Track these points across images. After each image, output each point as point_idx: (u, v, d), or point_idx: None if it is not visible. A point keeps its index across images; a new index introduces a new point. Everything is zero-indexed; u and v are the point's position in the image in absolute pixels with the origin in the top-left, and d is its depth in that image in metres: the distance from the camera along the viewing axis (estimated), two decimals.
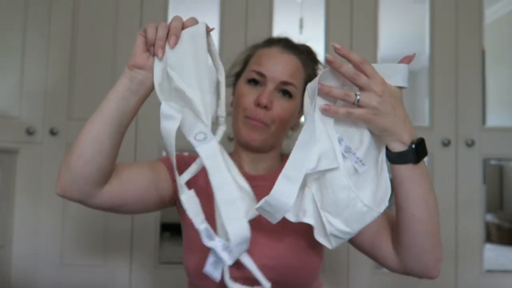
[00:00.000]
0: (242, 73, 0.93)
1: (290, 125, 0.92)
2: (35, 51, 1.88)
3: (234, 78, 0.97)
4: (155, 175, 0.88)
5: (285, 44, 0.90)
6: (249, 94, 0.86)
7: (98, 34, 1.90)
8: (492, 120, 1.96)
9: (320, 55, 1.02)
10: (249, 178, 0.83)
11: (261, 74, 0.86)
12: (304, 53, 0.91)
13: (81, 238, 1.85)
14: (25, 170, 1.85)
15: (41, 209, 1.84)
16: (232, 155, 0.96)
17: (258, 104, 0.84)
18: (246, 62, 0.94)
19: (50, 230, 1.84)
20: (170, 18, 1.93)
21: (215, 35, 1.92)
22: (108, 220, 1.85)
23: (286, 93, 0.87)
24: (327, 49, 1.92)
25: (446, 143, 1.88)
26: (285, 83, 0.86)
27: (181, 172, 0.81)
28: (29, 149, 1.85)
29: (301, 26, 2.94)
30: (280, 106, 0.86)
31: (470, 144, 1.87)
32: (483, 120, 1.91)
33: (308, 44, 0.98)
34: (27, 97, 1.87)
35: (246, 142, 0.89)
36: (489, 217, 2.69)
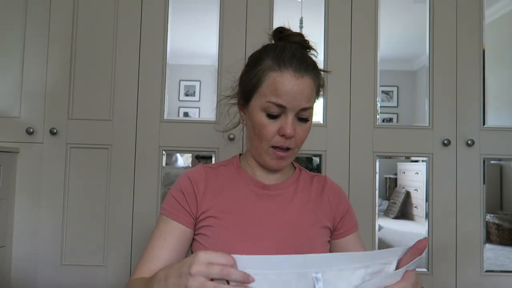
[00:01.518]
0: (252, 95, 0.88)
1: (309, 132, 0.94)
2: (35, 51, 1.88)
3: (242, 98, 0.93)
4: (181, 244, 0.88)
5: (297, 66, 0.85)
6: (271, 125, 0.86)
7: (98, 34, 1.90)
8: (492, 120, 1.95)
9: (318, 48, 1.01)
10: (264, 187, 0.92)
11: (280, 106, 0.84)
12: (311, 65, 0.88)
13: (81, 238, 1.85)
14: (25, 170, 1.85)
15: (41, 209, 1.84)
16: (240, 160, 0.99)
17: (283, 135, 0.85)
18: (256, 85, 0.88)
19: (50, 230, 1.84)
20: (170, 18, 1.94)
21: (215, 35, 1.92)
22: (108, 220, 1.85)
23: (305, 117, 0.88)
24: (327, 49, 1.92)
25: (446, 143, 1.88)
26: (304, 109, 0.86)
27: (205, 185, 0.91)
28: (29, 149, 1.85)
29: (301, 26, 2.94)
30: (302, 130, 0.88)
31: (470, 144, 1.87)
32: (483, 120, 1.91)
33: (305, 35, 0.95)
34: (27, 97, 1.87)
35: (272, 169, 0.91)
36: (489, 217, 2.69)
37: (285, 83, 0.84)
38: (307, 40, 0.94)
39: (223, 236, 0.85)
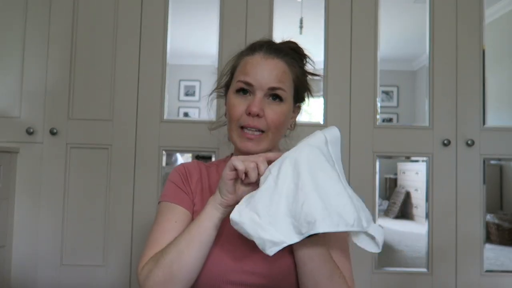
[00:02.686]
0: (230, 83, 0.92)
1: (286, 126, 0.93)
2: (35, 51, 1.88)
3: (225, 89, 0.97)
4: (184, 224, 0.87)
5: (268, 48, 0.89)
6: (240, 105, 0.86)
7: (98, 34, 1.90)
8: (492, 120, 1.96)
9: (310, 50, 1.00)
10: None
11: (248, 84, 0.86)
12: (289, 54, 0.91)
13: (81, 238, 1.85)
14: (25, 170, 1.85)
15: (41, 209, 1.84)
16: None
17: (249, 113, 0.84)
18: (232, 72, 0.93)
19: (50, 230, 1.84)
20: (170, 18, 1.94)
21: (215, 35, 1.92)
22: (108, 220, 1.85)
23: (277, 97, 0.87)
24: (327, 49, 1.92)
25: (446, 143, 1.88)
26: (273, 88, 0.86)
27: (197, 179, 0.93)
28: (29, 149, 1.85)
29: (301, 26, 2.94)
30: (272, 111, 0.86)
31: (470, 144, 1.87)
32: (483, 120, 1.91)
33: (293, 40, 0.98)
34: (27, 97, 1.87)
35: (246, 152, 0.88)
36: (489, 217, 2.69)
37: (253, 62, 0.87)
38: (300, 48, 0.95)
39: None
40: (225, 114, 0.95)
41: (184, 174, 0.93)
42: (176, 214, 0.87)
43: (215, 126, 1.08)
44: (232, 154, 1.00)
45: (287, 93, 0.88)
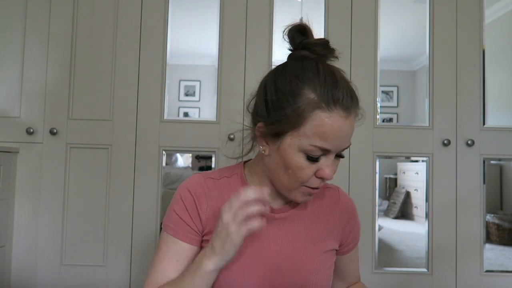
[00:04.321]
0: (287, 132, 0.74)
1: None
2: (35, 51, 1.88)
3: (272, 132, 0.77)
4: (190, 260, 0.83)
5: (347, 103, 0.73)
6: (309, 168, 0.75)
7: (98, 34, 1.90)
8: (492, 120, 1.95)
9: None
10: (271, 211, 0.84)
11: (325, 150, 0.74)
12: (356, 96, 0.78)
13: (81, 238, 1.85)
14: (25, 170, 1.85)
15: (41, 209, 1.84)
16: (245, 171, 0.88)
17: (321, 177, 0.76)
18: (296, 123, 0.73)
19: (50, 230, 1.84)
20: (170, 18, 1.94)
21: (215, 35, 1.92)
22: (108, 220, 1.85)
23: (343, 153, 0.79)
24: None
25: (446, 143, 1.88)
26: (344, 149, 0.77)
27: (207, 203, 0.84)
28: (29, 149, 1.85)
29: None
30: (335, 166, 0.79)
31: (470, 144, 1.87)
32: (483, 120, 1.91)
33: (330, 43, 0.80)
34: (27, 97, 1.87)
35: (298, 202, 0.83)
36: (489, 217, 2.69)
37: (334, 126, 0.72)
38: (333, 50, 0.79)
39: (227, 266, 0.79)
40: (263, 152, 0.80)
41: (191, 204, 0.83)
42: (178, 251, 0.81)
43: (237, 157, 0.94)
44: (245, 162, 0.90)
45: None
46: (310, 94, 0.72)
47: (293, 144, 0.74)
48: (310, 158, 0.74)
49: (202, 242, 0.84)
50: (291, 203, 0.86)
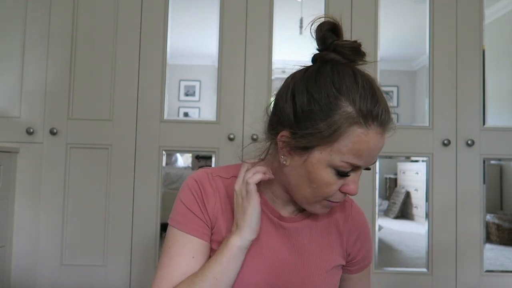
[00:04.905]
0: (318, 145, 0.68)
1: None
2: (35, 51, 1.88)
3: (299, 144, 0.70)
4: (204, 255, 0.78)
5: (384, 120, 0.68)
6: (336, 183, 0.70)
7: (98, 34, 1.90)
8: (492, 120, 1.96)
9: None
10: (280, 217, 0.80)
11: (357, 167, 0.70)
12: (390, 111, 0.72)
13: (81, 238, 1.85)
14: (25, 170, 1.85)
15: (41, 209, 1.84)
16: (262, 184, 0.79)
17: (346, 192, 0.72)
18: (330, 137, 0.67)
19: (50, 230, 1.84)
20: (170, 18, 1.94)
21: (215, 35, 1.92)
22: (108, 220, 1.85)
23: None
24: None
25: (446, 143, 1.88)
26: (373, 164, 0.73)
27: (215, 200, 0.78)
28: (29, 149, 1.85)
29: (301, 26, 2.94)
30: (359, 179, 0.75)
31: (470, 144, 1.87)
32: (483, 120, 1.91)
33: (361, 45, 0.73)
34: (27, 97, 1.87)
35: (317, 214, 0.80)
36: (489, 217, 2.69)
37: (370, 143, 0.67)
38: (365, 54, 0.72)
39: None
40: (284, 162, 0.73)
41: (199, 195, 0.78)
42: (193, 248, 0.75)
43: (250, 161, 0.81)
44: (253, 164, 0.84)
45: None
46: (347, 108, 0.66)
47: (323, 160, 0.68)
48: (340, 174, 0.69)
49: (211, 242, 0.78)
50: (302, 213, 0.81)
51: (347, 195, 0.72)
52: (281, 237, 0.79)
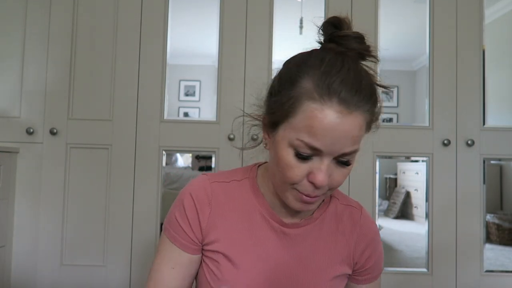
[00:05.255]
0: (281, 123, 0.67)
1: None
2: (35, 51, 1.88)
3: (270, 123, 0.70)
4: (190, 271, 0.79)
5: (346, 97, 0.62)
6: (298, 168, 0.65)
7: (98, 34, 1.90)
8: (492, 120, 1.96)
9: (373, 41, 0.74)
10: (281, 223, 0.76)
11: (314, 149, 0.63)
12: (367, 93, 0.65)
13: (81, 238, 1.85)
14: (25, 170, 1.85)
15: (41, 209, 1.84)
16: (257, 176, 0.79)
17: (312, 182, 0.65)
18: (287, 112, 0.65)
19: (50, 230, 1.84)
20: (170, 18, 1.94)
21: (215, 35, 1.92)
22: (108, 220, 1.85)
23: (346, 160, 0.66)
24: None
25: (446, 143, 1.88)
26: (346, 154, 0.65)
27: (210, 210, 0.76)
28: (29, 149, 1.85)
29: (301, 26, 2.94)
30: (339, 175, 0.67)
31: (470, 144, 1.87)
32: (483, 120, 1.91)
33: (366, 37, 0.70)
34: (27, 97, 1.87)
35: (294, 209, 0.73)
36: (489, 217, 2.69)
37: (324, 121, 0.61)
38: (368, 47, 0.69)
39: (232, 277, 0.74)
40: (265, 146, 0.74)
41: (192, 211, 0.76)
42: (175, 257, 0.76)
43: (246, 148, 0.85)
44: (259, 166, 0.82)
45: (359, 146, 0.67)
46: (307, 83, 0.63)
47: (284, 137, 0.65)
48: (299, 156, 0.64)
49: (205, 252, 0.77)
50: (306, 219, 0.78)
51: (317, 186, 0.65)
52: (283, 243, 0.76)
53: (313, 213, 0.78)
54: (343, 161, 0.65)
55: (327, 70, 0.63)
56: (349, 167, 0.67)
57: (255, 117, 0.76)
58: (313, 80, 0.63)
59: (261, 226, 0.76)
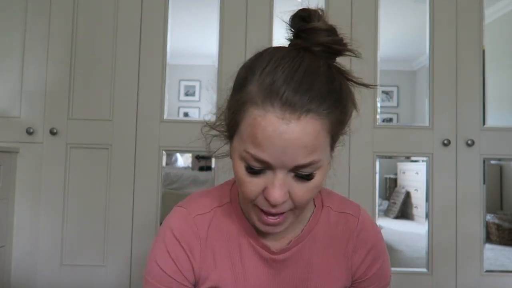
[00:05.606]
0: (234, 132, 0.59)
1: (321, 186, 0.62)
2: (35, 51, 1.88)
3: (228, 132, 0.63)
4: None
5: (290, 100, 0.53)
6: (253, 183, 0.57)
7: (98, 34, 1.90)
8: (492, 120, 1.96)
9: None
10: (269, 251, 0.68)
11: (262, 162, 0.55)
12: (322, 93, 0.55)
13: (81, 238, 1.85)
14: (25, 170, 1.85)
15: (41, 209, 1.84)
16: (242, 206, 0.69)
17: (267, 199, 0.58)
18: (236, 120, 0.58)
19: (50, 230, 1.84)
20: (170, 18, 1.94)
21: (215, 35, 1.92)
22: (108, 220, 1.85)
23: (306, 174, 0.56)
24: None
25: (446, 143, 1.88)
26: (301, 166, 0.55)
27: (200, 247, 0.67)
28: (29, 149, 1.85)
29: None
30: (301, 190, 0.57)
31: (470, 144, 1.87)
32: (483, 120, 1.91)
33: (338, 30, 0.62)
34: (27, 97, 1.87)
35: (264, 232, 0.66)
36: (489, 217, 2.69)
37: (268, 129, 0.53)
38: (340, 39, 0.62)
39: None
40: (230, 156, 0.64)
41: (180, 254, 0.66)
42: None
43: (217, 155, 0.71)
44: (232, 185, 0.72)
45: (322, 157, 0.56)
46: (251, 87, 0.55)
47: (236, 149, 0.58)
48: (249, 170, 0.56)
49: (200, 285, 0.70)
50: (295, 240, 0.69)
51: (272, 203, 0.57)
52: (274, 271, 0.69)
53: (302, 230, 0.69)
54: (302, 174, 0.56)
55: (271, 70, 0.55)
56: (314, 181, 0.57)
57: (213, 127, 0.67)
58: (257, 82, 0.55)
59: (251, 256, 0.68)
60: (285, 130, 0.52)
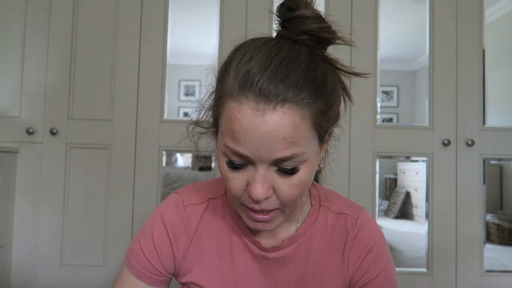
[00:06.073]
0: (217, 127, 0.59)
1: (310, 183, 0.60)
2: (35, 51, 1.88)
3: (213, 126, 0.63)
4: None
5: (264, 90, 0.51)
6: (236, 179, 0.56)
7: (98, 34, 1.90)
8: (492, 120, 1.96)
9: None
10: (261, 248, 0.66)
11: (241, 156, 0.54)
12: (299, 81, 0.52)
13: (81, 238, 1.85)
14: (25, 170, 1.85)
15: (41, 209, 1.84)
16: (230, 205, 0.69)
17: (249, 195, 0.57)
18: (217, 114, 0.58)
19: (50, 230, 1.84)
20: (170, 18, 1.94)
21: (215, 35, 1.92)
22: (108, 220, 1.85)
23: (288, 168, 0.55)
24: None
25: (446, 143, 1.88)
26: (281, 160, 0.53)
27: (186, 238, 0.67)
28: (29, 149, 1.85)
29: None
30: (286, 185, 0.56)
31: (470, 144, 1.87)
32: (483, 120, 1.91)
33: (324, 17, 0.59)
34: (27, 97, 1.87)
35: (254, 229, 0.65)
36: (489, 217, 2.69)
37: (244, 122, 0.51)
38: (326, 27, 0.58)
39: None
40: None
41: (161, 242, 0.66)
42: None
43: (193, 127, 0.72)
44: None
45: (305, 150, 0.54)
46: (229, 79, 0.54)
47: (218, 144, 0.58)
48: (231, 165, 0.55)
49: (180, 283, 0.69)
50: (290, 239, 0.67)
51: (254, 199, 0.56)
52: (265, 271, 0.67)
53: (297, 230, 0.67)
54: (285, 169, 0.54)
55: (247, 60, 0.53)
56: (298, 176, 0.55)
57: (199, 124, 0.67)
58: (233, 74, 0.54)
59: (242, 252, 0.67)
60: (260, 121, 0.51)
